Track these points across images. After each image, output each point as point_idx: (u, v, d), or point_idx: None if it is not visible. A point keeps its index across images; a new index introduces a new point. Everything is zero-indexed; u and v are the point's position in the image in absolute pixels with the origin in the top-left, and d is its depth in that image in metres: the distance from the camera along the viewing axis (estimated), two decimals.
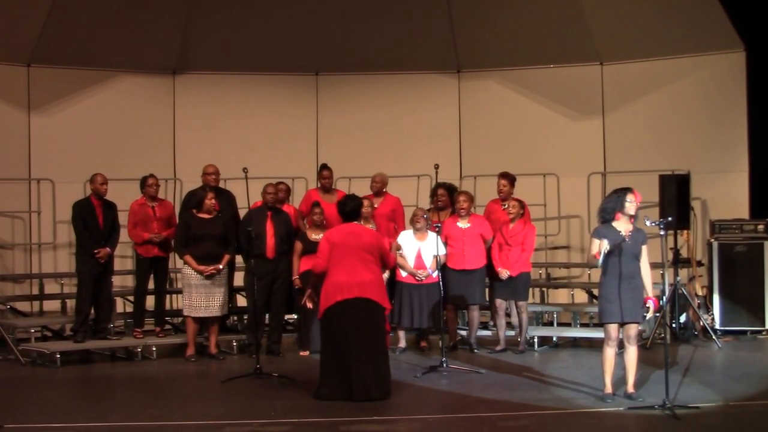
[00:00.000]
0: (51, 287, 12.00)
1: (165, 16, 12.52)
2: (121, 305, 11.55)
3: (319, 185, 11.35)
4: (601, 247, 7.53)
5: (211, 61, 13.10)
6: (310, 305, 8.56)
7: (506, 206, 10.42)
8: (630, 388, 7.79)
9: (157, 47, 12.78)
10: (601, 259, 7.53)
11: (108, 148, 12.41)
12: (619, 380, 7.90)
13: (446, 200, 10.72)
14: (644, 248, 7.73)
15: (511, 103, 13.23)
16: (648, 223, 7.76)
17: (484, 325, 11.29)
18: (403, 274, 10.20)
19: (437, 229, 9.66)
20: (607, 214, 7.78)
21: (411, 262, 10.16)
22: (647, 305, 7.65)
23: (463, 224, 10.28)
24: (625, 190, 7.80)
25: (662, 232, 7.57)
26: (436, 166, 10.72)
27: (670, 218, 8.49)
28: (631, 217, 7.73)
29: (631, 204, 7.70)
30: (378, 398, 7.82)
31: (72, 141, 12.44)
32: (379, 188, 11.03)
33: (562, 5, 12.42)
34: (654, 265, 7.90)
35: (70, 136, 12.44)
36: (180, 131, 13.08)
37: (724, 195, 11.89)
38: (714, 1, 11.47)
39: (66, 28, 12.06)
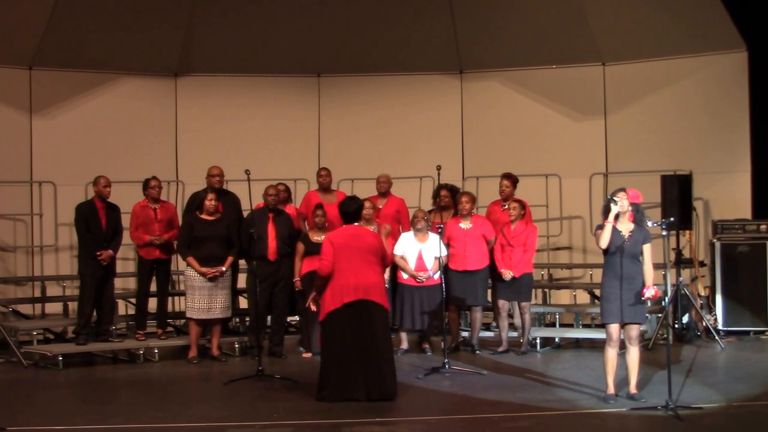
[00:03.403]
0: (53, 290, 12.01)
1: (167, 18, 12.52)
2: (123, 307, 11.56)
3: (317, 186, 11.23)
4: (602, 236, 7.57)
5: (213, 63, 13.10)
6: (314, 308, 8.49)
7: (506, 207, 10.41)
8: (632, 389, 7.78)
9: (158, 49, 12.77)
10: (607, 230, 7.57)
11: (110, 150, 12.42)
12: (622, 381, 7.90)
13: (449, 201, 10.72)
14: (647, 247, 7.69)
15: (513, 104, 13.21)
16: (650, 223, 7.76)
17: (487, 327, 11.29)
18: (405, 276, 10.19)
19: (439, 230, 9.65)
20: (604, 215, 7.76)
21: (412, 264, 10.14)
22: (645, 295, 7.56)
23: (465, 225, 10.28)
24: (616, 191, 7.79)
25: (664, 233, 7.55)
26: (439, 168, 10.70)
27: (672, 219, 8.51)
28: (631, 213, 7.68)
29: (619, 201, 7.62)
30: (384, 399, 7.82)
31: (73, 144, 12.45)
32: (386, 189, 11.02)
33: (564, 6, 12.41)
34: (656, 266, 7.88)
35: (71, 138, 12.46)
36: (182, 133, 13.08)
37: (726, 195, 11.88)
38: (716, 2, 11.46)
39: (68, 30, 12.06)
